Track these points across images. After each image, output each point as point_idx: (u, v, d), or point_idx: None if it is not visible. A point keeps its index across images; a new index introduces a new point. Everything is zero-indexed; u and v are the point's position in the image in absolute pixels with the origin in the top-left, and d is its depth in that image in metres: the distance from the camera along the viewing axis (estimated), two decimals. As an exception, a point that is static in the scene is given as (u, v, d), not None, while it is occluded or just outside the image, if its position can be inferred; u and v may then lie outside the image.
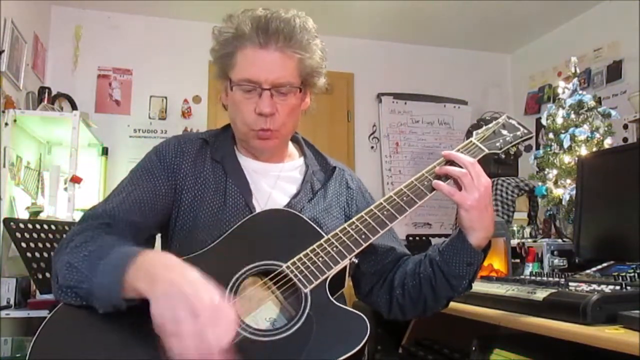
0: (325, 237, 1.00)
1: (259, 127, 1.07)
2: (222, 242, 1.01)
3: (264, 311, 0.96)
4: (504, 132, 1.19)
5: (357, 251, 0.98)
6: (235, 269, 0.95)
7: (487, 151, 1.14)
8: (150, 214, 1.05)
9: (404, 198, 1.04)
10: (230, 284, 0.94)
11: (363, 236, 1.00)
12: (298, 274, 0.94)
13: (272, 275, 0.96)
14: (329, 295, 0.94)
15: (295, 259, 0.96)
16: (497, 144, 1.16)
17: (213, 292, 0.79)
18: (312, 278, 0.94)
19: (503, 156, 1.19)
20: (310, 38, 1.08)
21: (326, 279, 0.95)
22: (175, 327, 0.75)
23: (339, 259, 0.96)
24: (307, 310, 0.91)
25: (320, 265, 0.95)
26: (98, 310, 0.88)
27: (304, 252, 0.97)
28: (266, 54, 1.05)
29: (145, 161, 1.12)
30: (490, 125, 1.21)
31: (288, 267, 0.95)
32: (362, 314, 0.93)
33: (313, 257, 0.96)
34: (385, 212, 1.02)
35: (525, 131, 1.22)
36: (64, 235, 1.00)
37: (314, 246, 0.98)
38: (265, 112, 1.05)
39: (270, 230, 1.01)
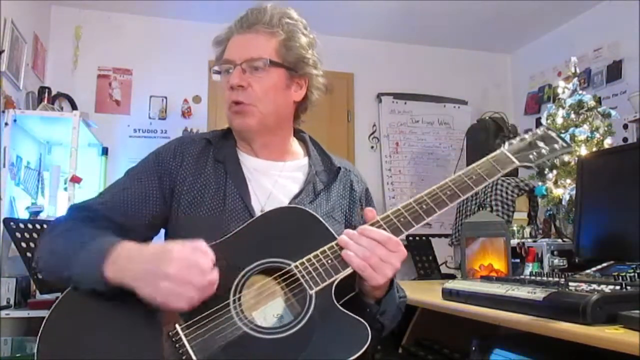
0: (337, 240, 0.98)
1: (231, 100, 1.10)
2: (234, 237, 0.99)
3: (272, 307, 0.96)
4: (540, 144, 1.12)
5: None
6: (244, 263, 0.95)
7: (517, 164, 1.08)
8: (135, 216, 1.06)
9: (423, 206, 1.00)
10: (238, 278, 0.94)
11: None
12: (305, 275, 0.94)
13: (281, 273, 0.96)
14: (334, 299, 0.93)
15: (304, 259, 0.95)
16: (531, 157, 1.10)
17: (175, 255, 0.87)
18: (318, 280, 0.93)
19: (537, 170, 1.14)
20: (290, 22, 1.12)
21: (333, 282, 0.94)
22: (164, 299, 0.86)
23: (347, 264, 0.95)
24: (310, 312, 0.91)
25: (329, 268, 0.94)
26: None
27: (314, 253, 0.96)
28: (242, 37, 1.12)
29: (142, 163, 1.13)
30: (526, 135, 1.14)
31: (296, 267, 0.94)
32: (364, 322, 0.92)
33: (322, 258, 0.95)
34: (401, 219, 0.99)
35: (564, 144, 1.15)
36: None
37: (325, 248, 0.96)
38: (232, 83, 1.08)
39: (283, 228, 1.00)
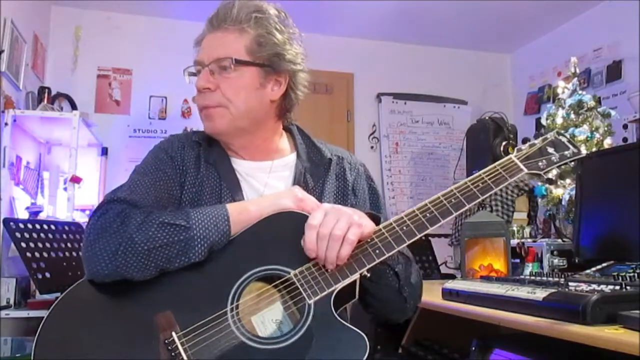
0: None
1: (199, 104, 1.07)
2: (233, 242, 0.97)
3: (271, 314, 0.95)
4: (551, 150, 1.09)
5: (368, 266, 0.93)
6: (242, 270, 0.93)
7: (526, 171, 1.05)
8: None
9: (427, 214, 0.97)
10: (236, 286, 0.92)
11: (377, 251, 0.94)
12: (304, 284, 0.91)
13: (280, 281, 0.94)
14: (332, 309, 0.91)
15: (304, 267, 0.93)
16: (540, 164, 1.07)
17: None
18: (317, 290, 0.91)
19: (545, 177, 1.09)
20: (261, 16, 1.06)
21: (332, 292, 0.92)
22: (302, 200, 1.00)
23: (348, 273, 0.92)
24: (308, 322, 0.90)
25: (328, 277, 0.92)
26: (190, 260, 0.91)
27: (314, 262, 0.93)
28: (212, 36, 1.08)
29: (155, 161, 1.07)
30: (536, 141, 1.11)
31: (295, 276, 0.92)
32: (363, 334, 0.90)
33: (322, 267, 0.93)
34: (404, 228, 0.96)
35: (575, 150, 1.11)
36: (95, 220, 0.94)
37: None
38: (198, 86, 1.05)
39: (282, 234, 0.97)
